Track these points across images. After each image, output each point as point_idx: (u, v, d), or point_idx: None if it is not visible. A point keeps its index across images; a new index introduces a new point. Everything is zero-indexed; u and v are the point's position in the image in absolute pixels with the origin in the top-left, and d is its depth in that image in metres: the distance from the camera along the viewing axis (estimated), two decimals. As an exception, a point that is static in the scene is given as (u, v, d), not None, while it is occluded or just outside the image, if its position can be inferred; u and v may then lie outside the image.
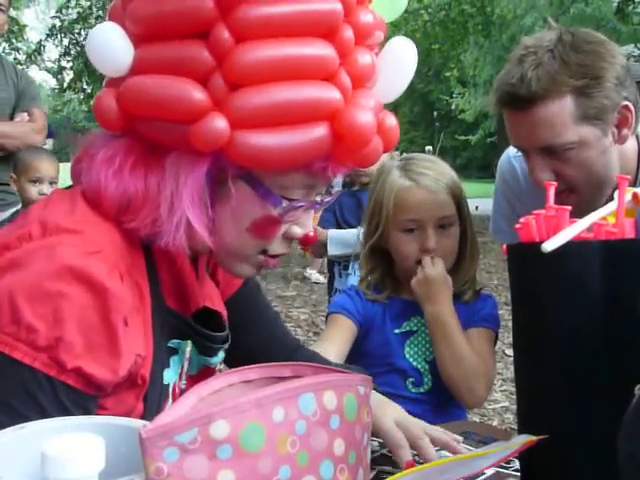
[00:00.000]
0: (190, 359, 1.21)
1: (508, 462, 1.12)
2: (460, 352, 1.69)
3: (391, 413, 1.32)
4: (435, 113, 35.69)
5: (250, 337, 1.41)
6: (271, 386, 0.81)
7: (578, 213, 1.00)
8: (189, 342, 1.21)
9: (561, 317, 0.90)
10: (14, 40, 16.32)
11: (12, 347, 0.96)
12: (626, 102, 1.53)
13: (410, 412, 1.63)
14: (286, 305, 6.40)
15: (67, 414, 0.96)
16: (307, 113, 1.02)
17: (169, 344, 1.16)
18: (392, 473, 1.19)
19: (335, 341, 1.75)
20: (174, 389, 1.18)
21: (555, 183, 1.05)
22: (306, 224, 1.16)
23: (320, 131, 1.03)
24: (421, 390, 1.76)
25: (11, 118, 3.38)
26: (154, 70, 1.02)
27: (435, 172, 1.75)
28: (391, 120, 1.11)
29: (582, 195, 1.54)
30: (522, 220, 0.98)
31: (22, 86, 3.44)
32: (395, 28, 17.50)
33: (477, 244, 1.84)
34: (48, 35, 16.03)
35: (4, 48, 15.94)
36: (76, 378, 0.98)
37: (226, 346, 1.26)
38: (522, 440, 0.89)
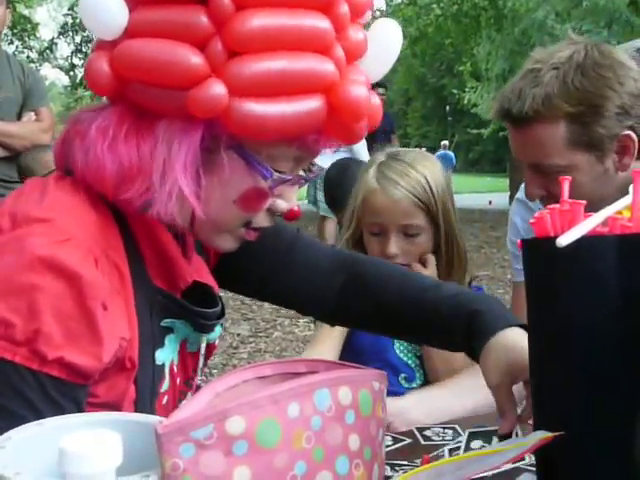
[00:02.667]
0: (187, 337, 1.20)
1: (524, 458, 1.12)
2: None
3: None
4: (448, 107, 35.60)
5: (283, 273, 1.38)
6: (286, 382, 0.81)
7: None
8: (204, 338, 1.21)
9: (576, 312, 0.89)
10: (27, 38, 16.39)
11: None
12: (628, 132, 1.49)
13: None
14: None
15: (56, 406, 0.97)
16: (304, 84, 1.02)
17: (162, 323, 1.14)
18: (407, 468, 1.19)
19: (327, 342, 1.76)
20: (172, 368, 1.17)
21: (569, 177, 1.05)
22: (291, 198, 1.16)
23: (315, 103, 1.03)
24: (414, 385, 1.76)
25: (19, 117, 3.38)
26: (150, 34, 1.00)
27: (407, 180, 1.73)
28: (375, 99, 1.11)
29: None
30: (536, 214, 0.98)
31: (29, 85, 3.43)
32: (407, 23, 17.48)
33: (462, 252, 1.81)
34: (60, 33, 16.10)
35: (17, 46, 16.02)
36: (60, 368, 0.97)
37: (222, 321, 1.25)
38: (538, 436, 0.88)
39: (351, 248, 1.82)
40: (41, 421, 0.80)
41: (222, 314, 1.25)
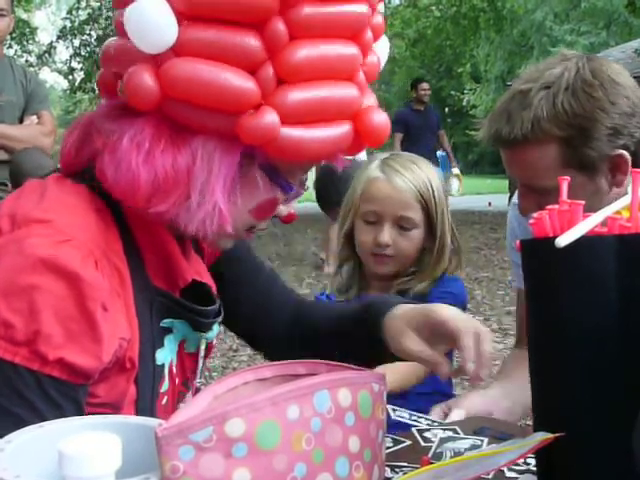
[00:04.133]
0: (186, 337, 1.21)
1: (524, 459, 1.12)
2: None
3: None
4: (447, 109, 35.63)
5: (244, 303, 1.40)
6: (286, 384, 0.81)
7: None
8: (203, 340, 1.21)
9: (576, 313, 0.89)
10: (25, 42, 16.40)
11: None
12: (620, 151, 1.47)
13: (406, 405, 1.65)
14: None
15: (56, 406, 0.98)
16: (338, 111, 1.06)
17: (161, 324, 1.15)
18: (407, 470, 1.19)
19: None
20: (171, 369, 1.18)
21: (568, 178, 1.05)
22: (291, 204, 1.25)
23: (346, 128, 1.07)
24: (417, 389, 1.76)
25: (21, 121, 3.39)
26: (201, 54, 0.99)
27: (411, 173, 1.76)
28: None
29: None
30: (535, 215, 0.98)
31: (31, 89, 3.45)
32: (406, 25, 17.51)
33: (443, 256, 1.82)
34: (59, 37, 16.11)
35: (16, 51, 16.03)
36: (60, 369, 0.98)
37: (220, 319, 1.26)
38: (539, 437, 0.88)
39: (346, 244, 1.84)
40: (41, 424, 0.80)
41: (219, 312, 1.26)
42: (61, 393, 0.99)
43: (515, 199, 1.89)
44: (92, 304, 0.99)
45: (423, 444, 1.32)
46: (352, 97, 1.07)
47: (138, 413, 1.10)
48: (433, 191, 1.77)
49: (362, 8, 1.05)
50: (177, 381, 1.20)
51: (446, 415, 1.50)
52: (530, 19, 16.06)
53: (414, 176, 1.76)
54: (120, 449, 0.62)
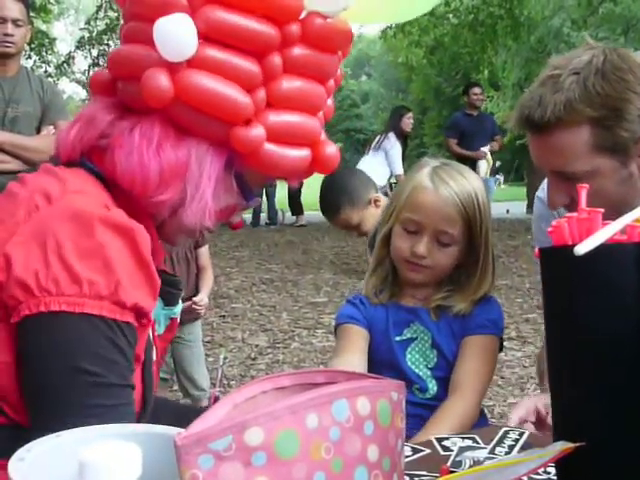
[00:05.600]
0: (156, 318, 1.34)
1: (544, 469, 1.11)
2: None
3: None
4: (464, 117, 35.53)
5: None
6: (304, 393, 0.81)
7: None
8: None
9: (594, 322, 0.89)
10: (44, 53, 16.51)
11: (80, 304, 1.07)
12: None
13: (419, 416, 1.64)
14: (317, 311, 6.40)
15: (132, 349, 1.15)
16: (307, 137, 1.28)
17: None
18: (426, 479, 1.18)
19: (354, 351, 1.75)
20: (154, 338, 1.32)
21: (587, 185, 1.04)
22: (241, 213, 1.42)
23: (307, 153, 1.30)
24: (427, 396, 1.76)
25: (38, 131, 3.41)
26: (211, 69, 1.18)
27: (460, 186, 1.73)
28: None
29: None
30: (554, 223, 0.97)
31: (48, 99, 3.47)
32: (423, 32, 17.48)
33: (488, 271, 1.81)
34: (77, 47, 16.20)
35: (35, 61, 16.14)
36: (133, 315, 1.13)
37: (183, 293, 1.43)
38: (559, 447, 0.88)
39: (383, 247, 1.83)
40: (60, 433, 0.80)
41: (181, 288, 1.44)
42: (133, 338, 1.15)
43: (540, 193, 1.88)
44: (146, 253, 1.14)
45: (442, 453, 1.31)
46: (315, 128, 1.30)
47: (144, 375, 1.25)
48: (478, 205, 1.74)
49: (335, 59, 1.29)
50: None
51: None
52: (547, 26, 15.99)
53: (462, 189, 1.73)
54: (140, 458, 0.62)
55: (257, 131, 1.21)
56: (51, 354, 1.08)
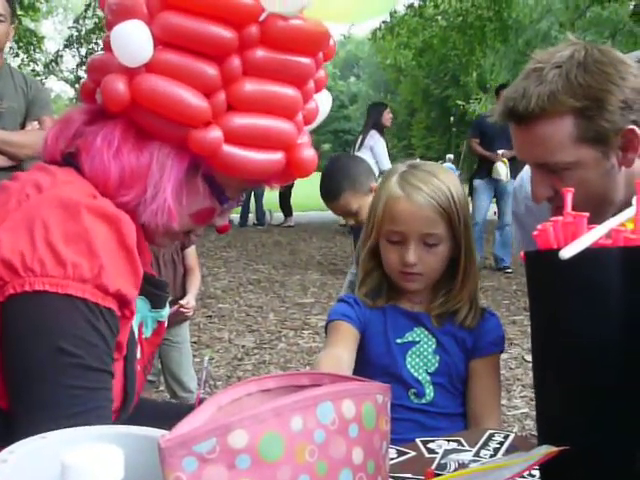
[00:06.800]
0: (144, 319, 1.35)
1: (529, 472, 1.11)
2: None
3: None
4: (452, 118, 35.62)
5: None
6: (289, 395, 0.81)
7: None
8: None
9: (579, 325, 0.89)
10: (32, 51, 16.45)
11: (63, 286, 1.09)
12: (632, 126, 1.50)
13: (415, 421, 1.64)
14: (304, 312, 6.41)
15: (113, 337, 1.16)
16: (276, 141, 1.28)
17: None
18: (411, 481, 1.18)
19: (343, 346, 1.74)
20: (140, 337, 1.34)
21: (572, 189, 1.05)
22: (226, 216, 1.42)
23: (280, 157, 1.30)
24: (423, 401, 1.75)
25: (23, 127, 3.40)
26: (170, 73, 1.20)
27: (431, 187, 1.72)
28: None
29: None
30: (539, 227, 0.97)
31: (32, 94, 3.45)
32: (412, 34, 17.52)
33: (473, 265, 1.81)
34: (65, 45, 16.16)
35: (22, 59, 16.08)
36: (115, 302, 1.14)
37: (169, 297, 1.44)
38: (543, 451, 0.88)
39: (371, 258, 1.82)
40: (44, 434, 0.80)
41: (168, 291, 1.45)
42: (113, 324, 1.16)
43: (520, 181, 1.90)
44: (130, 242, 1.16)
45: (427, 455, 1.32)
46: (288, 132, 1.29)
47: (126, 369, 1.25)
48: (454, 201, 1.73)
49: (307, 61, 1.27)
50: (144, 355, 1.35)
51: None
52: (535, 29, 16.07)
53: (433, 189, 1.72)
54: (122, 461, 0.62)
55: (214, 133, 1.21)
56: (32, 334, 1.10)
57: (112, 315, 1.15)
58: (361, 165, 3.31)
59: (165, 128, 1.23)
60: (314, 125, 1.42)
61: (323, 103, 1.42)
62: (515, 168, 7.92)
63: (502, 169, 8.44)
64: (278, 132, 1.27)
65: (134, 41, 1.19)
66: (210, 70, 1.20)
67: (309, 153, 1.33)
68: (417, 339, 1.78)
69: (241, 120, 1.24)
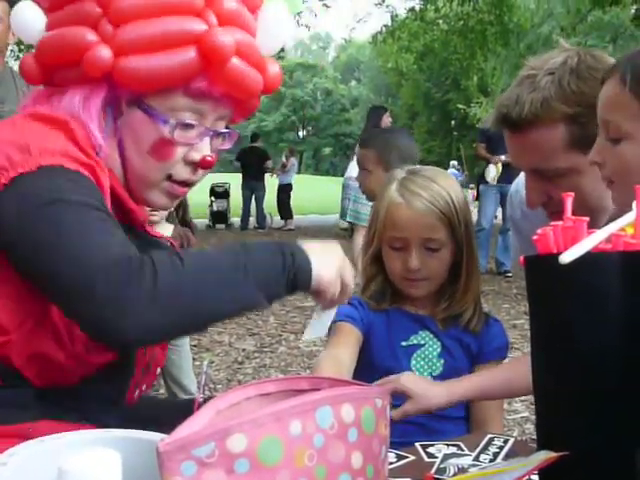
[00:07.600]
0: None
1: (528, 477, 1.11)
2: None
3: None
4: (453, 122, 35.60)
5: None
6: (288, 399, 0.81)
7: None
8: None
9: (579, 331, 0.89)
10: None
11: (34, 163, 1.13)
12: None
13: (419, 424, 1.63)
14: (305, 315, 6.40)
15: (101, 198, 1.18)
16: (176, 40, 1.25)
17: None
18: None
19: (345, 347, 1.74)
20: None
21: (572, 194, 1.04)
22: (202, 148, 1.33)
23: (189, 54, 1.25)
24: None
25: None
26: (58, 25, 1.28)
27: (430, 193, 1.73)
28: (274, 66, 1.39)
29: None
30: (539, 231, 0.97)
31: None
32: (413, 38, 17.54)
33: (476, 268, 1.82)
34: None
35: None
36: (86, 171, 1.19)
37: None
38: (542, 456, 0.88)
39: (373, 264, 1.83)
40: (43, 438, 0.80)
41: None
42: (96, 193, 1.19)
43: (515, 186, 1.91)
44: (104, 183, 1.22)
45: (427, 460, 1.31)
46: (192, 27, 1.25)
47: None
48: (454, 206, 1.73)
49: None
50: None
51: None
52: (537, 33, 16.09)
53: (433, 195, 1.73)
54: (120, 465, 0.62)
55: (101, 52, 1.23)
56: (31, 208, 1.11)
57: (91, 182, 1.18)
58: (404, 149, 3.27)
59: (68, 74, 1.29)
60: (277, 43, 1.40)
61: (271, 11, 1.38)
62: (512, 174, 7.95)
63: (491, 172, 8.50)
64: (179, 29, 1.26)
65: (27, 21, 1.33)
66: (88, 5, 1.26)
67: (221, 37, 1.25)
68: (422, 342, 1.78)
69: (132, 31, 1.25)
